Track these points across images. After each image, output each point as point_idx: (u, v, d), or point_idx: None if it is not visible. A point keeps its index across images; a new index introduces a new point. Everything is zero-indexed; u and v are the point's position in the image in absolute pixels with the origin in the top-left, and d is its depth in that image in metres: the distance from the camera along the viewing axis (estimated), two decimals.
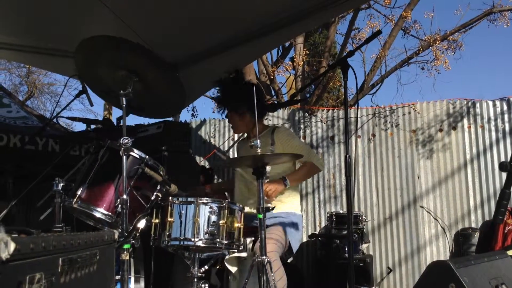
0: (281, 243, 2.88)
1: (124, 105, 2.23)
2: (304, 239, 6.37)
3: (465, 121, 6.30)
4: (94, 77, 2.59)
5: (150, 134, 4.49)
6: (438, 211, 6.15)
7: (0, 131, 4.28)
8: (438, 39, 9.47)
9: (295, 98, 3.39)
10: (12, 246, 0.96)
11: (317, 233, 6.29)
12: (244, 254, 2.76)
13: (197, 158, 6.99)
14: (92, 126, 3.03)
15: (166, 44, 4.56)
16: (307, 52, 9.55)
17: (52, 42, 4.44)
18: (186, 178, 4.33)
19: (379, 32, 2.54)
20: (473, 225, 6.00)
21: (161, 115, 4.22)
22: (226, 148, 7.12)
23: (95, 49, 2.35)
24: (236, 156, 3.42)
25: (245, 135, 3.51)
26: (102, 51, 2.37)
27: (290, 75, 9.48)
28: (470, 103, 6.34)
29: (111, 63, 2.36)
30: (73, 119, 2.61)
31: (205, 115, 20.99)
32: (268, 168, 2.94)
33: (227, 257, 2.77)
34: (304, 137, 6.86)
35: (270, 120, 6.93)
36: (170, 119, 5.18)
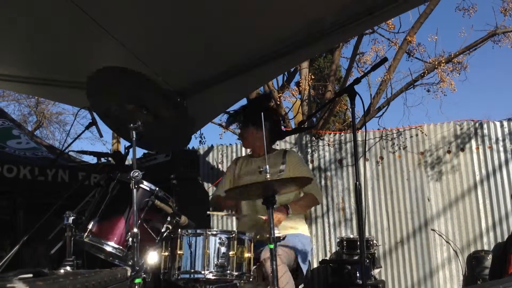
0: (288, 262, 2.86)
1: (134, 139, 2.25)
2: (315, 265, 6.31)
3: (473, 142, 6.28)
4: (103, 109, 2.62)
5: (158, 163, 4.51)
6: (449, 234, 6.09)
7: (10, 162, 4.30)
8: (443, 61, 9.50)
9: (303, 126, 3.40)
10: None
11: (328, 258, 6.23)
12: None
13: (206, 184, 6.99)
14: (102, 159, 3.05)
15: (174, 72, 4.63)
16: (313, 77, 9.61)
17: (62, 74, 4.51)
18: (195, 205, 4.32)
19: (385, 60, 2.56)
20: (486, 248, 5.93)
21: (169, 149, 4.26)
22: None
23: (104, 79, 2.38)
24: (236, 170, 3.38)
25: (248, 150, 3.51)
26: (111, 82, 2.40)
27: (296, 100, 9.52)
28: (477, 124, 6.33)
29: (120, 95, 2.38)
30: (84, 152, 2.64)
31: (212, 141, 21.06)
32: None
33: None
34: (312, 161, 6.86)
35: (277, 144, 6.94)
36: None
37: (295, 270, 2.98)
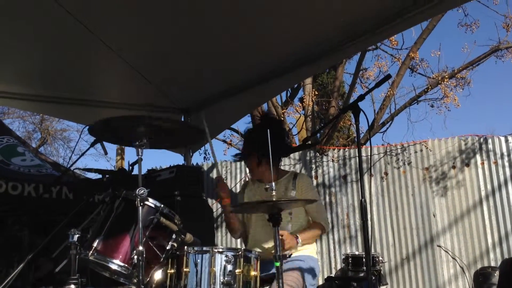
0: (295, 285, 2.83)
1: (140, 156, 2.25)
2: (320, 282, 6.25)
3: (478, 157, 6.26)
4: (110, 138, 2.63)
5: (162, 179, 4.51)
6: (456, 250, 6.04)
7: (15, 180, 4.32)
8: (446, 76, 9.54)
9: (307, 143, 3.37)
10: None
11: (333, 275, 6.16)
12: None
13: (209, 201, 6.98)
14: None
15: (177, 89, 4.66)
16: (316, 93, 9.65)
17: (66, 91, 4.54)
18: (199, 222, 4.31)
19: (388, 77, 2.56)
20: (493, 264, 5.87)
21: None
22: (238, 190, 7.11)
23: (111, 126, 2.39)
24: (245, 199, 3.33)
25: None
26: (116, 126, 2.41)
27: (300, 115, 9.54)
28: (482, 139, 6.32)
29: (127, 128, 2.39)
30: (89, 170, 2.64)
31: (216, 157, 21.10)
32: (289, 226, 2.94)
33: None
34: (316, 177, 6.85)
35: (281, 161, 6.93)
36: (183, 163, 5.21)
37: None
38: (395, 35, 8.68)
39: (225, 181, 7.27)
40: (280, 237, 2.65)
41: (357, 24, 3.45)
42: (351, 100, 9.16)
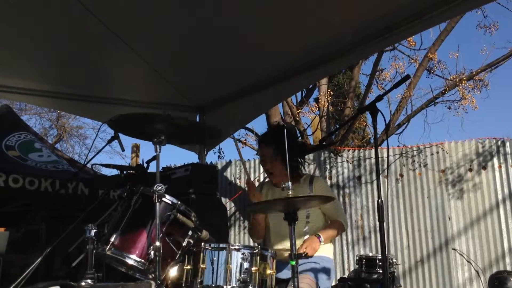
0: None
1: (158, 153, 2.27)
2: (333, 283, 6.23)
3: (495, 160, 6.18)
4: (128, 130, 2.65)
5: (178, 177, 4.53)
6: (471, 254, 5.97)
7: (32, 175, 4.37)
8: (464, 78, 9.43)
9: (324, 143, 3.35)
10: None
11: (346, 276, 6.14)
12: None
13: (223, 199, 6.99)
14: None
15: (193, 88, 4.68)
16: (332, 93, 9.61)
17: (83, 88, 4.59)
18: (213, 220, 4.32)
19: (407, 77, 2.54)
20: (508, 268, 5.80)
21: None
22: None
23: (126, 122, 2.42)
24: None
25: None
26: (134, 122, 2.44)
27: (316, 116, 9.51)
28: (499, 142, 6.24)
29: (145, 123, 2.41)
30: (108, 166, 2.66)
31: (230, 156, 21.08)
32: (306, 228, 2.96)
33: None
34: (330, 178, 6.82)
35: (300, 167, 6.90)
36: (197, 161, 5.23)
37: None
38: (412, 36, 8.60)
39: (240, 179, 7.30)
40: (304, 250, 2.67)
41: (375, 24, 3.43)
42: (367, 101, 9.12)
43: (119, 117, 2.29)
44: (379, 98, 2.55)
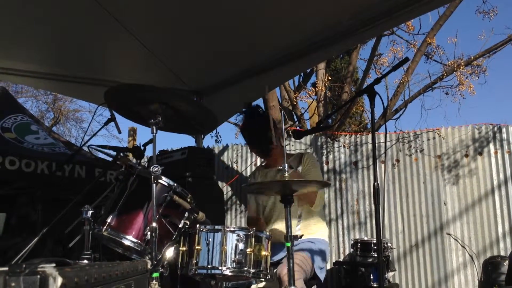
0: (305, 270, 2.84)
1: (154, 134, 2.26)
2: (328, 267, 6.28)
3: (491, 146, 6.20)
4: (123, 109, 2.64)
5: (174, 160, 4.53)
6: (465, 239, 6.02)
7: (28, 157, 4.36)
8: (462, 64, 9.42)
9: (321, 125, 3.34)
10: (59, 281, 0.98)
11: (341, 260, 6.20)
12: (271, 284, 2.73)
13: (220, 183, 7.01)
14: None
15: (191, 71, 4.66)
16: (329, 78, 9.59)
17: (80, 70, 4.56)
18: (210, 204, 4.33)
19: (406, 60, 2.53)
20: (502, 253, 5.85)
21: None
22: (248, 174, 7.13)
23: (122, 94, 2.41)
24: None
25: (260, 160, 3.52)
26: (130, 96, 2.43)
27: (313, 100, 9.50)
28: (496, 128, 6.25)
29: (141, 101, 2.40)
30: (104, 147, 2.65)
31: (227, 140, 21.10)
32: (298, 226, 3.07)
33: (253, 286, 2.75)
34: (327, 163, 6.84)
35: (292, 145, 6.93)
36: (194, 145, 5.23)
37: (311, 278, 2.96)
38: (411, 20, 8.55)
39: (237, 163, 7.31)
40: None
41: (374, 8, 3.41)
42: (365, 86, 9.09)
43: (118, 87, 2.27)
44: (377, 80, 2.53)
